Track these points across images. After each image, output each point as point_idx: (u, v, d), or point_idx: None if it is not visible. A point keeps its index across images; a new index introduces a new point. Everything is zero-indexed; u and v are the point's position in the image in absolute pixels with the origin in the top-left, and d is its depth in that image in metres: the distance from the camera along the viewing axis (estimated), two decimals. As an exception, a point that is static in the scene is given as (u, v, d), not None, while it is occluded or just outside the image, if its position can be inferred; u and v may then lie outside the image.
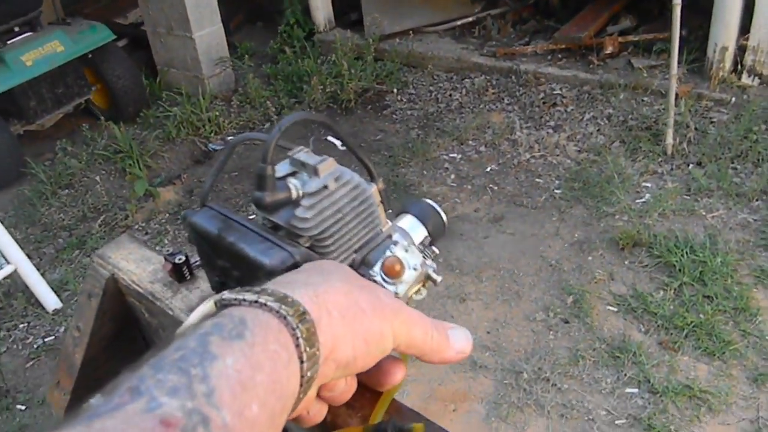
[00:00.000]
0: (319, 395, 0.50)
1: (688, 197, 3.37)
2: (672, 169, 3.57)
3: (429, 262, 0.69)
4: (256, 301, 0.43)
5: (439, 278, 0.68)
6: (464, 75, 4.77)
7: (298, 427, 0.51)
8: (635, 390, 2.53)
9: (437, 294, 2.96)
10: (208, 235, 0.63)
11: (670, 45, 3.38)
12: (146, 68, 5.16)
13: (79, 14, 5.00)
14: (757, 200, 3.28)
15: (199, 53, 4.85)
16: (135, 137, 4.47)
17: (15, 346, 3.13)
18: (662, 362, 2.60)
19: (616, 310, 2.85)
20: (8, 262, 3.06)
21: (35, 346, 3.11)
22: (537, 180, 3.70)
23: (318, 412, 0.50)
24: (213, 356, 0.38)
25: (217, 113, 4.60)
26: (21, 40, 4.15)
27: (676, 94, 3.54)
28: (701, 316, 2.73)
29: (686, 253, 3.00)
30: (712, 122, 3.79)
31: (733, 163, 3.52)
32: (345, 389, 0.50)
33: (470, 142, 4.09)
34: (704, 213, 3.26)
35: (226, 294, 0.45)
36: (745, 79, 3.98)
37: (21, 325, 3.23)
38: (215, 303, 0.46)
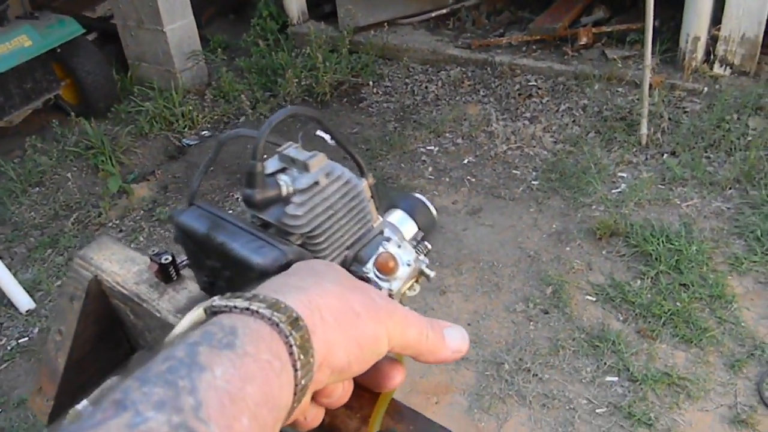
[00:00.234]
0: (315, 401, 0.48)
1: (663, 186, 3.41)
2: (647, 158, 3.61)
3: (422, 257, 0.68)
4: (247, 308, 0.41)
5: (432, 273, 0.67)
6: (440, 67, 4.77)
7: (295, 431, 0.49)
8: (615, 378, 2.55)
9: (417, 287, 2.95)
10: (197, 235, 0.61)
11: (643, 36, 3.41)
12: (117, 62, 5.06)
13: (47, 8, 4.88)
14: (730, 189, 3.33)
15: (170, 47, 4.78)
16: (107, 133, 4.39)
17: (-13, 348, 3.06)
18: (641, 350, 2.63)
19: (594, 299, 2.88)
20: (-22, 263, 2.99)
21: (9, 347, 3.04)
22: (514, 171, 3.71)
23: (315, 417, 0.49)
24: (201, 367, 0.36)
25: (191, 108, 4.53)
26: (-13, 35, 4.04)
27: (650, 85, 3.58)
28: (678, 304, 2.76)
29: (662, 241, 3.03)
30: (685, 112, 3.84)
31: (706, 152, 3.57)
32: (342, 394, 0.49)
33: (447, 134, 4.09)
34: (679, 202, 3.30)
35: (216, 301, 0.43)
36: (717, 69, 4.03)
37: (-7, 327, 3.16)
38: (205, 310, 0.44)
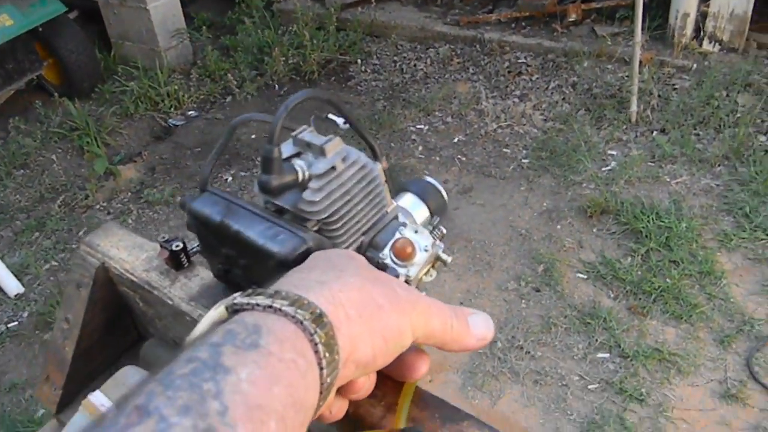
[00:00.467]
0: (341, 395, 0.48)
1: (653, 164, 3.43)
2: (636, 136, 3.62)
3: (438, 242, 0.67)
4: (270, 306, 0.40)
5: (449, 258, 0.66)
6: (428, 44, 4.73)
7: (320, 423, 0.49)
8: (606, 355, 2.58)
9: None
10: (211, 222, 0.60)
11: (632, 12, 3.40)
12: (99, 41, 4.97)
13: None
14: (719, 165, 3.35)
15: (154, 25, 4.69)
16: (91, 114, 4.33)
17: (-24, 333, 3.03)
18: (632, 327, 2.66)
19: (585, 277, 2.89)
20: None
21: (-2, 332, 3.01)
22: (504, 150, 3.70)
23: (340, 410, 0.48)
24: (226, 369, 0.35)
25: (176, 87, 4.47)
26: (-34, 14, 3.95)
27: (640, 62, 3.57)
28: (668, 280, 2.79)
29: (652, 219, 3.05)
30: (674, 89, 3.84)
31: (695, 129, 3.58)
32: (367, 385, 0.48)
33: (437, 112, 4.07)
34: (668, 179, 3.32)
35: (237, 298, 0.42)
36: (706, 46, 4.03)
37: (-19, 312, 3.13)
38: (226, 308, 0.43)
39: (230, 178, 3.77)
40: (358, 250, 0.64)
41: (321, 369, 0.39)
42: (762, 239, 2.93)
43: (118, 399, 0.34)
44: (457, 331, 0.50)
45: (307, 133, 0.61)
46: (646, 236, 2.99)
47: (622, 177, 3.33)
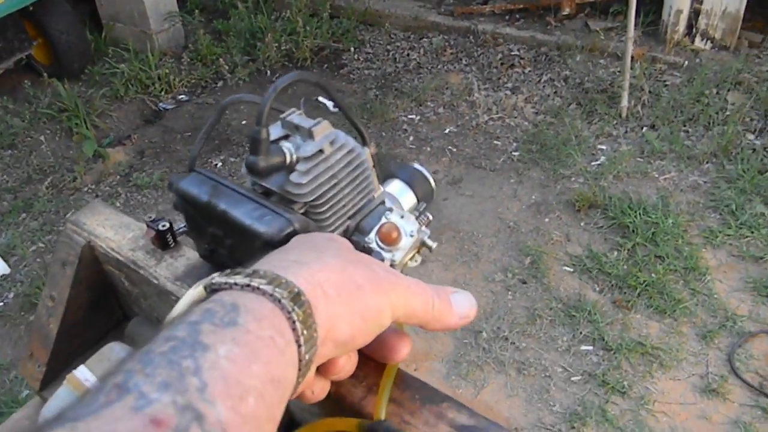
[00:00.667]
0: (323, 375, 0.48)
1: (642, 160, 3.45)
2: (626, 131, 3.64)
3: (424, 228, 0.67)
4: (248, 285, 0.41)
5: (434, 244, 0.67)
6: (422, 34, 4.72)
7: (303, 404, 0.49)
8: (590, 347, 2.60)
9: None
10: (198, 202, 0.60)
11: (626, 7, 3.41)
12: (90, 22, 4.92)
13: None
14: (707, 163, 3.38)
15: (146, 7, 4.65)
16: (81, 95, 4.29)
17: (-39, 313, 3.02)
18: (616, 320, 2.68)
19: (572, 270, 2.91)
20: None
21: (-17, 312, 3.00)
22: (495, 142, 3.71)
23: (321, 390, 0.49)
24: (204, 346, 0.35)
25: (167, 71, 4.44)
26: (-46, -9, 3.89)
27: (632, 57, 3.59)
28: (653, 275, 2.81)
29: (639, 214, 3.07)
30: (665, 85, 3.86)
31: (685, 126, 3.60)
32: (348, 366, 0.49)
33: (429, 103, 4.07)
34: (657, 175, 3.34)
35: (215, 278, 0.42)
36: (698, 43, 4.05)
37: (-34, 291, 3.11)
38: (204, 288, 0.43)
39: (220, 164, 3.76)
40: (345, 233, 0.65)
41: (299, 346, 0.40)
42: (747, 236, 2.96)
43: (99, 378, 0.35)
44: (439, 310, 0.50)
45: (296, 116, 0.61)
46: (633, 231, 3.01)
47: (611, 172, 3.35)
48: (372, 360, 0.53)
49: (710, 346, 2.55)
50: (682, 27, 4.03)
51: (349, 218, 0.65)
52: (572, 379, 2.50)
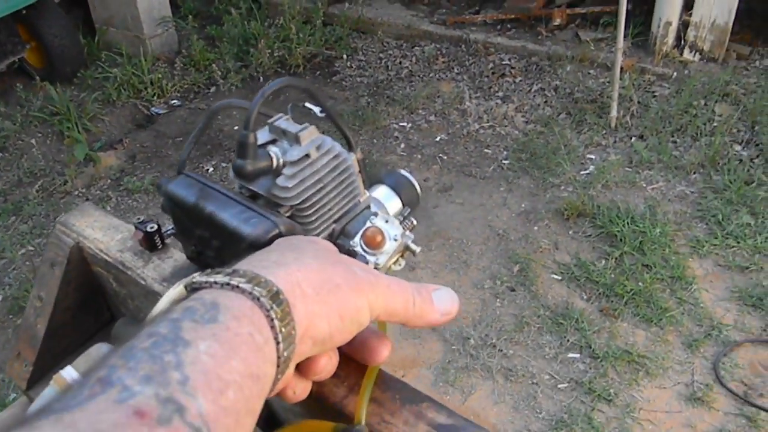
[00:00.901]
0: (304, 376, 0.49)
1: (630, 169, 3.48)
2: (615, 141, 3.67)
3: (408, 232, 0.69)
4: (227, 284, 0.42)
5: (418, 249, 0.68)
6: (414, 42, 4.75)
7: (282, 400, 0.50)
8: (577, 355, 2.62)
9: (387, 262, 2.98)
10: (185, 204, 0.61)
11: (616, 18, 3.44)
12: (83, 26, 4.92)
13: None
14: (694, 173, 3.41)
15: (140, 12, 4.66)
16: (73, 99, 4.29)
17: (-52, 315, 3.00)
18: (603, 328, 2.70)
19: (560, 278, 2.93)
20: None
21: (-30, 315, 2.99)
22: (486, 150, 3.74)
23: (303, 391, 0.50)
24: (185, 342, 0.36)
25: (160, 76, 4.44)
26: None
27: (621, 68, 3.63)
28: (640, 284, 2.84)
29: (627, 223, 3.10)
30: (654, 96, 3.90)
31: (673, 136, 3.64)
32: (328, 366, 0.50)
33: (420, 111, 4.10)
34: (645, 185, 3.37)
35: (196, 277, 0.44)
36: (687, 55, 4.09)
37: (-46, 294, 3.10)
38: (185, 287, 0.45)
39: (211, 169, 3.76)
40: (330, 237, 0.66)
41: (277, 343, 0.41)
42: (733, 246, 2.99)
43: (82, 374, 0.36)
44: (420, 308, 0.51)
45: (283, 121, 0.63)
46: (621, 240, 3.03)
47: (600, 181, 3.38)
48: (354, 361, 0.54)
49: (696, 355, 2.57)
50: (671, 39, 4.08)
51: (335, 222, 0.66)
52: (559, 386, 2.51)
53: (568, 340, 2.66)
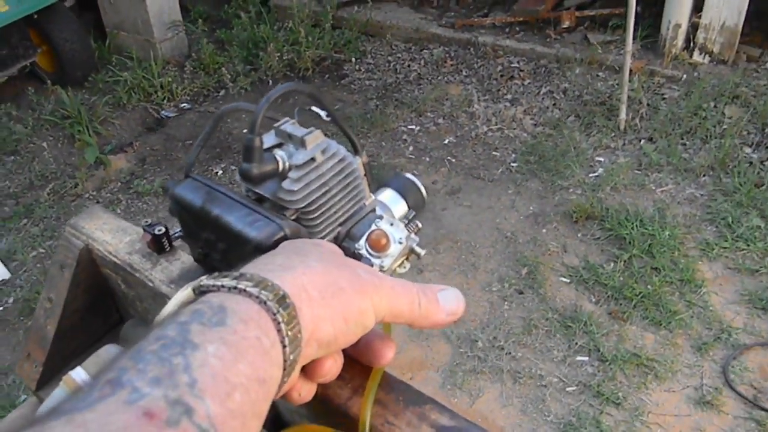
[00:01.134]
0: (309, 378, 0.50)
1: (639, 172, 3.47)
2: (624, 144, 3.66)
3: (413, 235, 0.69)
4: (235, 287, 0.42)
5: (423, 252, 0.69)
6: (423, 45, 4.76)
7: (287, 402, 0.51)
8: (585, 358, 2.61)
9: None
10: (192, 207, 0.62)
11: (625, 21, 3.43)
12: (94, 31, 4.97)
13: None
14: (704, 176, 3.39)
15: (150, 16, 4.69)
16: (83, 102, 4.33)
17: (-40, 317, 3.03)
18: (611, 331, 2.69)
19: (568, 281, 2.93)
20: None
21: (-18, 317, 3.02)
22: (494, 153, 3.74)
23: (308, 393, 0.50)
24: (194, 345, 0.37)
25: (170, 79, 4.47)
26: (-40, -2, 3.93)
27: (630, 70, 3.61)
28: (649, 287, 2.83)
29: (636, 226, 3.09)
30: (663, 99, 3.89)
31: (682, 139, 3.62)
32: (333, 369, 0.50)
33: (428, 113, 4.10)
34: (654, 187, 3.36)
35: (204, 280, 0.44)
36: (697, 57, 4.08)
37: (-34, 296, 3.13)
38: (193, 290, 0.45)
39: (221, 172, 3.78)
40: (335, 240, 0.67)
41: (284, 347, 0.41)
42: (743, 249, 2.98)
43: (92, 376, 0.36)
44: (426, 309, 0.51)
45: (289, 125, 0.63)
46: (630, 243, 3.02)
47: (609, 184, 3.37)
48: (359, 364, 0.54)
49: (705, 358, 2.56)
50: (680, 41, 4.06)
51: (340, 225, 0.67)
52: (567, 389, 2.51)
53: (576, 343, 2.65)
